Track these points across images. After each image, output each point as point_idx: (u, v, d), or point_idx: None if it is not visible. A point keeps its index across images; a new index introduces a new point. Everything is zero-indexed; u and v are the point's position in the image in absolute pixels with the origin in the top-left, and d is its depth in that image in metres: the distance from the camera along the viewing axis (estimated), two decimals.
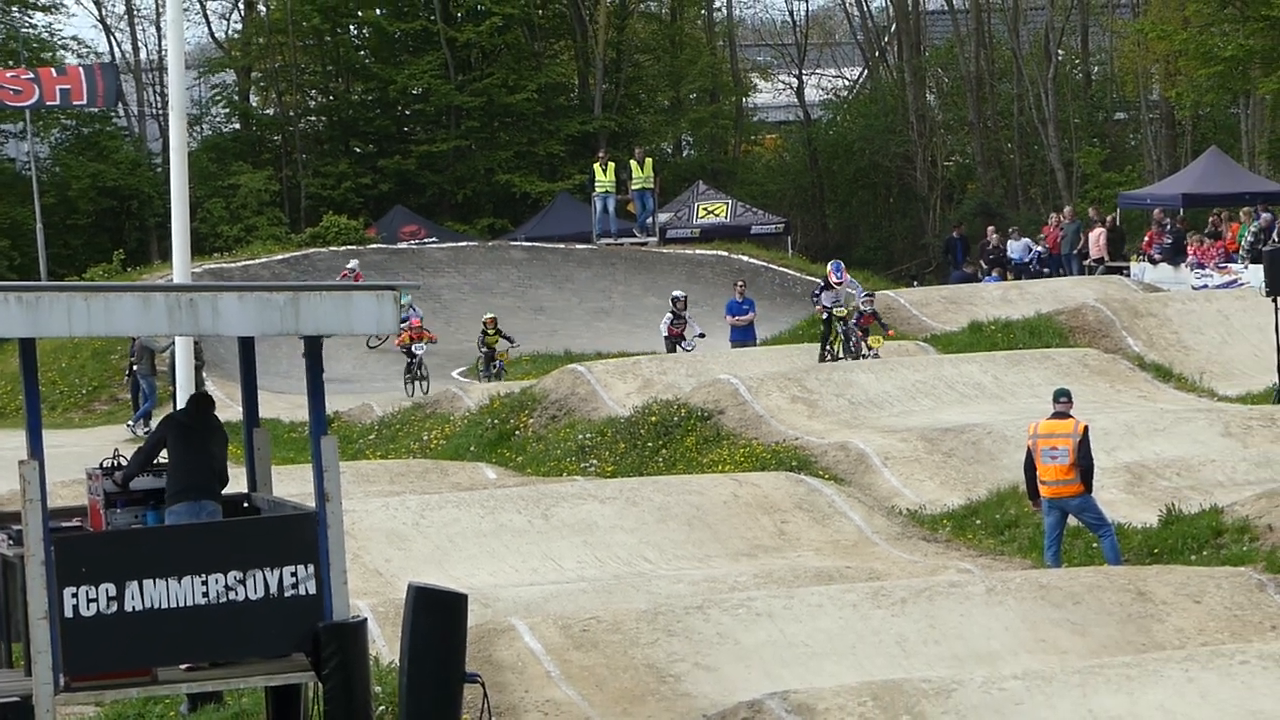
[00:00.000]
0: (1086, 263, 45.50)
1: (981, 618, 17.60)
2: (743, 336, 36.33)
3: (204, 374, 28.85)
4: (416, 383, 36.18)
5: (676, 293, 36.96)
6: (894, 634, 17.66)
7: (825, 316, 31.83)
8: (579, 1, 57.12)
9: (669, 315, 36.14)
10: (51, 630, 13.42)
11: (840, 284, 32.01)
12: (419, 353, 36.06)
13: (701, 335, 36.04)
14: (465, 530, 23.09)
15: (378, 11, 57.17)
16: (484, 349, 37.19)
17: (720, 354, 33.37)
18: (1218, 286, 42.34)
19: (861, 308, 32.51)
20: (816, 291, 32.55)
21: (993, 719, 14.99)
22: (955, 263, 49.64)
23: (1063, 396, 20.83)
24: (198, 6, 58.58)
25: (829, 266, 33.20)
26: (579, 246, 47.09)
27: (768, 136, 65.34)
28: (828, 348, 31.66)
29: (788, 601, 18.83)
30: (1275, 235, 40.77)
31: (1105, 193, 53.03)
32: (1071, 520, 20.29)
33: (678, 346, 35.66)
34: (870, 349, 32.02)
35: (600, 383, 31.87)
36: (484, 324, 37.64)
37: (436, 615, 13.66)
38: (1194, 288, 42.40)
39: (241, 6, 60.40)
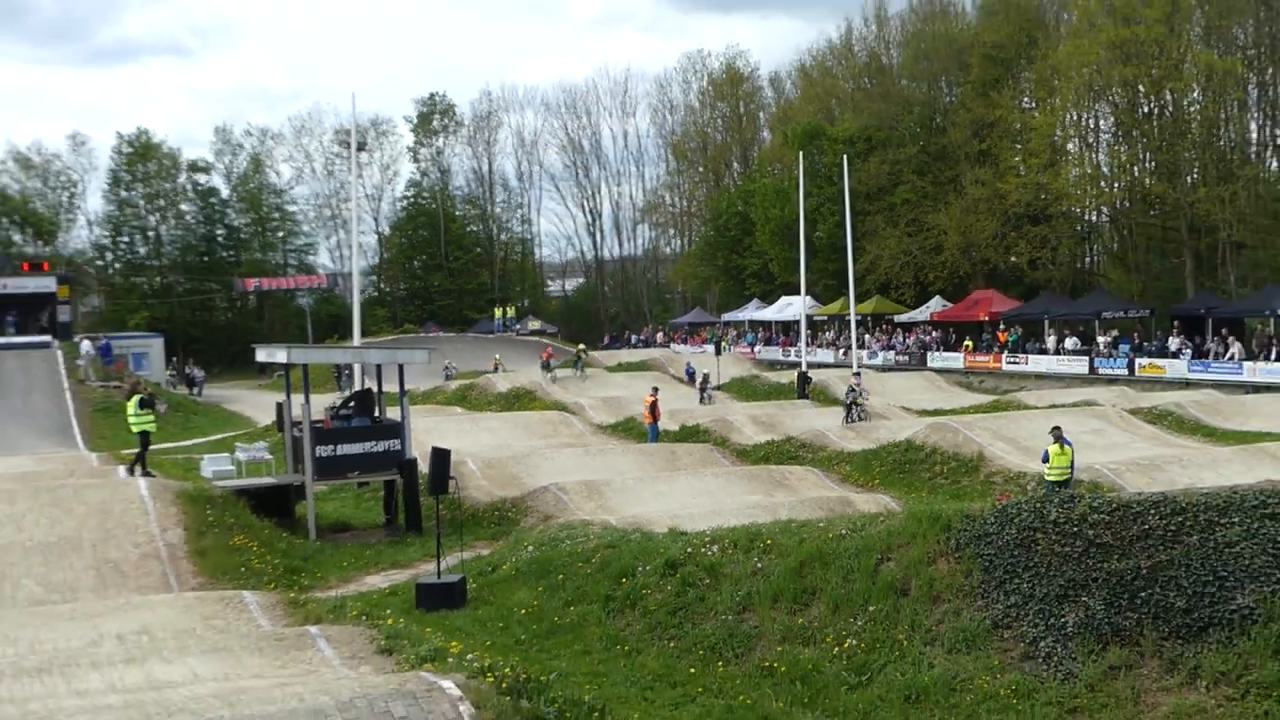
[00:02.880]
0: None
1: (619, 461, 37.49)
2: None
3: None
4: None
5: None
6: (586, 464, 33.90)
7: None
8: None
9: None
10: (309, 461, 26.81)
11: None
12: None
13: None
14: (452, 429, 40.76)
15: None
16: None
17: None
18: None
19: None
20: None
21: (624, 495, 28.71)
22: None
23: (654, 390, 42.74)
24: None
25: None
26: None
27: None
28: None
29: (555, 455, 35.28)
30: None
31: None
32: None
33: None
34: None
35: None
36: None
37: (440, 456, 20.95)
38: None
39: None
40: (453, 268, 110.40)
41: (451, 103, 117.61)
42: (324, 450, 27.18)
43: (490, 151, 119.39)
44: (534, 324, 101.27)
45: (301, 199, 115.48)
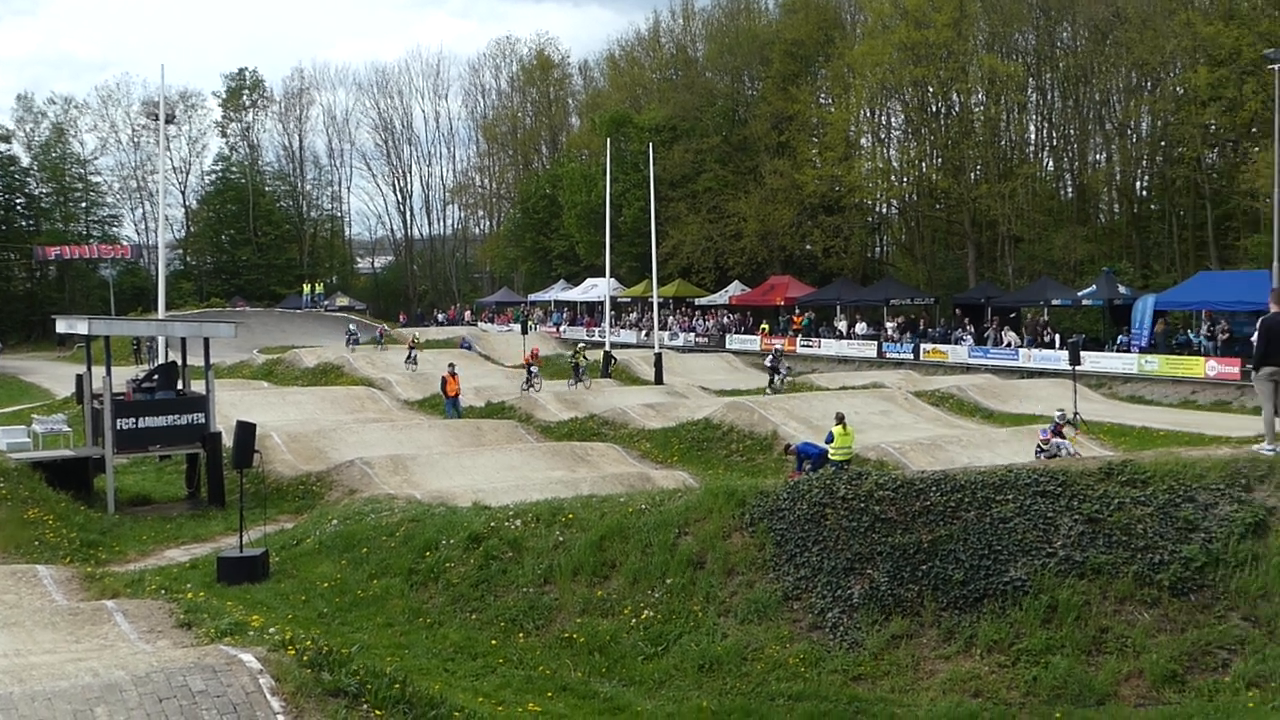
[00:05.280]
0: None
1: (425, 437, 37.23)
2: None
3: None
4: None
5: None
6: (392, 438, 34.30)
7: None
8: None
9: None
10: (109, 433, 26.60)
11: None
12: None
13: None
14: (258, 403, 40.44)
15: None
16: None
17: None
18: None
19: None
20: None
21: (430, 470, 29.23)
22: None
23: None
24: None
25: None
26: None
27: None
28: None
29: (361, 430, 35.55)
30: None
31: None
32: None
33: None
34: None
35: None
36: None
37: (244, 429, 20.52)
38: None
39: None
40: (261, 243, 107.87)
41: (261, 78, 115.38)
42: (125, 423, 26.49)
43: (301, 129, 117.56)
44: (342, 300, 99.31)
45: (106, 170, 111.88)
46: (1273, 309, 17.02)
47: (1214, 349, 48.78)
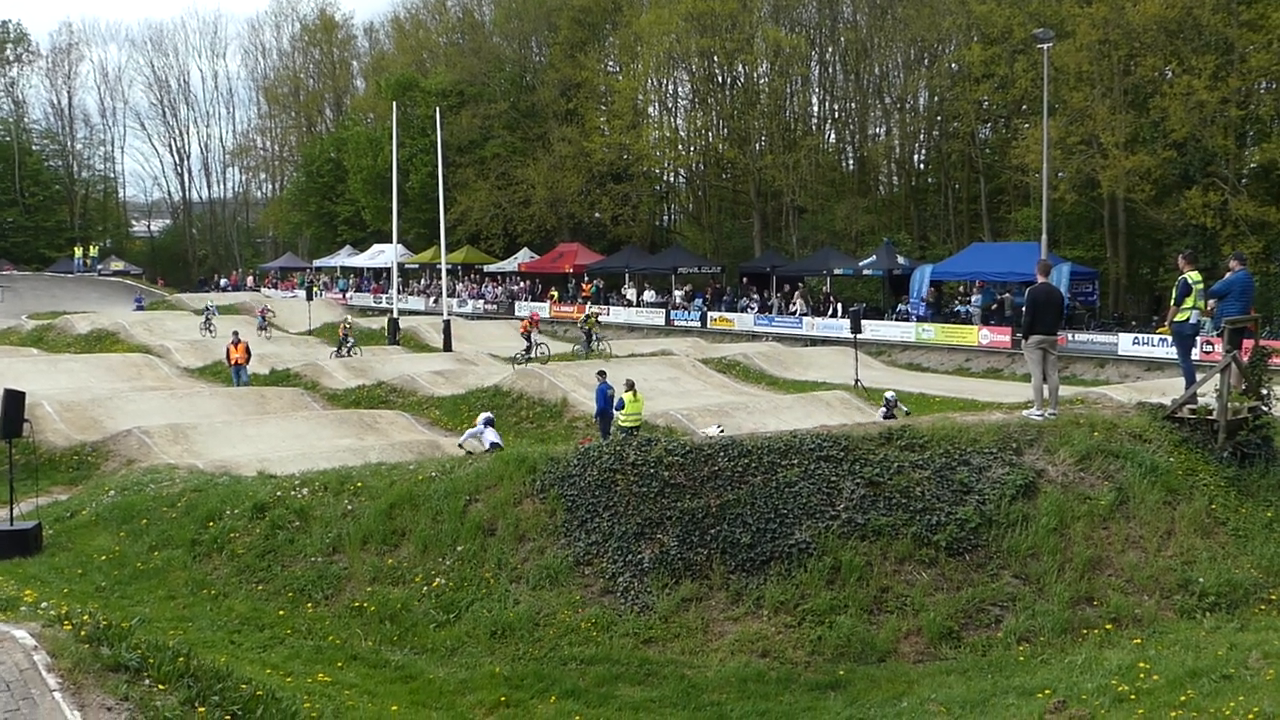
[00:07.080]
0: None
1: (207, 405, 36.31)
2: None
3: None
4: None
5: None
6: (172, 407, 33.54)
7: None
8: None
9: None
10: None
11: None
12: None
13: None
14: (27, 370, 39.05)
15: None
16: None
17: None
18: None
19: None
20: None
21: (212, 439, 28.97)
22: None
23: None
24: None
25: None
26: None
27: None
28: None
29: (139, 398, 34.51)
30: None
31: None
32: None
33: None
34: None
35: None
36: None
37: (12, 398, 19.66)
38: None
39: None
40: (29, 204, 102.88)
41: (26, 31, 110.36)
42: None
43: (70, 85, 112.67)
44: (117, 264, 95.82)
45: None
46: (1039, 280, 17.84)
47: (980, 317, 50.86)
